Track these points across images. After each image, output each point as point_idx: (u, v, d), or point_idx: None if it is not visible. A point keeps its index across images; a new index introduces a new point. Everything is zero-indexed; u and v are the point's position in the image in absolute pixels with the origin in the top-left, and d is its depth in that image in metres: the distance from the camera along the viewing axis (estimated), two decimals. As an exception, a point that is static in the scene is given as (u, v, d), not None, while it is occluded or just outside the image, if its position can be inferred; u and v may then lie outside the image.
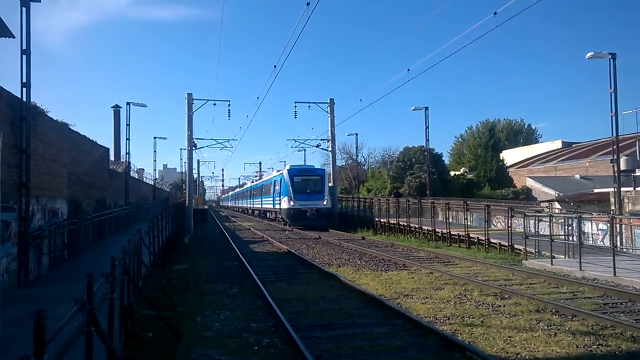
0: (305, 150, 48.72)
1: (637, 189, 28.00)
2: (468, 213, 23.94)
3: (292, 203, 33.24)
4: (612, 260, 12.84)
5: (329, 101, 36.62)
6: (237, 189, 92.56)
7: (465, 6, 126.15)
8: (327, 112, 36.52)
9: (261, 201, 47.14)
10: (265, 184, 45.57)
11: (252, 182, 67.70)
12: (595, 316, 8.87)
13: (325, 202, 33.49)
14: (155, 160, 49.19)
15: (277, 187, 37.09)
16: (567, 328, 8.30)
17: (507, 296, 10.99)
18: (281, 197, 35.00)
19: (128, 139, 31.61)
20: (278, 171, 40.40)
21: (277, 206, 36.97)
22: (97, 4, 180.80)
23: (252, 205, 57.38)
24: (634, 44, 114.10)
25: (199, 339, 8.19)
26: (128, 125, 31.42)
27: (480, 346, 7.39)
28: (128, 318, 7.36)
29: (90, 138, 21.13)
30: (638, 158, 33.24)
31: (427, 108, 33.43)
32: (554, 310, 9.51)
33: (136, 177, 42.49)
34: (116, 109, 39.58)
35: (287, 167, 36.67)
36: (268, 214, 44.67)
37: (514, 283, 12.70)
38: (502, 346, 7.44)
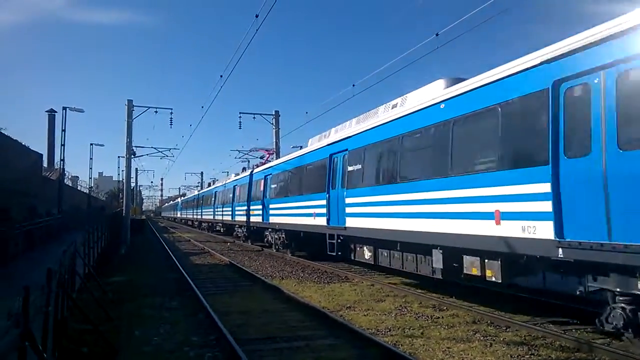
0: (249, 161, 48.11)
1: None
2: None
3: None
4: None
5: (274, 113, 36.61)
6: (198, 192, 66.18)
7: (411, 26, 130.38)
8: (272, 123, 36.48)
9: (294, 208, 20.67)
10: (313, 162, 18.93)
11: (234, 175, 39.06)
12: (527, 327, 9.30)
13: None
14: (91, 168, 47.46)
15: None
16: (502, 339, 8.65)
17: (445, 308, 11.32)
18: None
19: (63, 145, 30.44)
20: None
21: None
22: (30, 4, 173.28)
23: (243, 218, 30.11)
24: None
25: (137, 354, 7.92)
26: (64, 130, 30.31)
27: (420, 357, 7.58)
28: (62, 332, 7.01)
29: (23, 143, 20.13)
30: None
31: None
32: (489, 322, 9.89)
33: (70, 184, 40.78)
34: (51, 113, 37.98)
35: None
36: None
37: (452, 295, 13.08)
38: (442, 357, 7.65)
